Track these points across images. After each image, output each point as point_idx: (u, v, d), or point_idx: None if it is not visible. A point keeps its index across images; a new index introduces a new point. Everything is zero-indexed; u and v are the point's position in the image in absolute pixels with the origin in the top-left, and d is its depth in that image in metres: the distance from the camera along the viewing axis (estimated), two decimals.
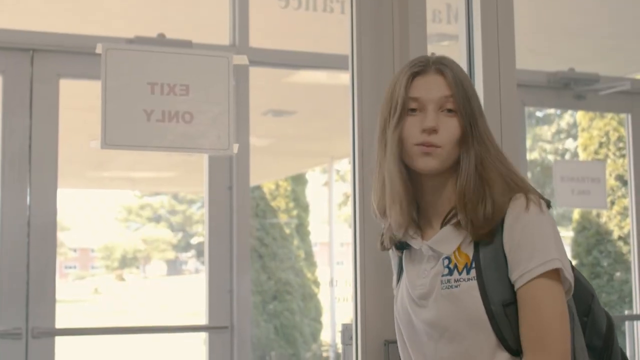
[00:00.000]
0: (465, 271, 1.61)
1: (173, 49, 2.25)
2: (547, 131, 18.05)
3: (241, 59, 2.27)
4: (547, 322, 1.53)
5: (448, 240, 1.65)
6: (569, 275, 1.58)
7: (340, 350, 2.14)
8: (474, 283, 1.59)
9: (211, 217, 3.38)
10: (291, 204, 12.56)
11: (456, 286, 1.61)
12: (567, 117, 17.49)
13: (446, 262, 1.64)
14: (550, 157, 17.51)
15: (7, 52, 3.13)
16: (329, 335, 12.59)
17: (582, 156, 9.66)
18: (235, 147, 2.13)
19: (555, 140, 18.07)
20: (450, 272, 1.63)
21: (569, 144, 17.71)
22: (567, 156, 17.16)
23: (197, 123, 2.11)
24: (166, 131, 2.09)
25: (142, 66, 2.10)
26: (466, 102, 1.67)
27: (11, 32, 3.17)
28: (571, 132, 17.10)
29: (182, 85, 2.13)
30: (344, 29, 2.18)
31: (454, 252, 1.64)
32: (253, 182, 9.93)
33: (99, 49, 2.04)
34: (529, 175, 4.91)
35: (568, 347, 1.54)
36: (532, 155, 17.44)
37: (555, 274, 1.55)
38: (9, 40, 3.14)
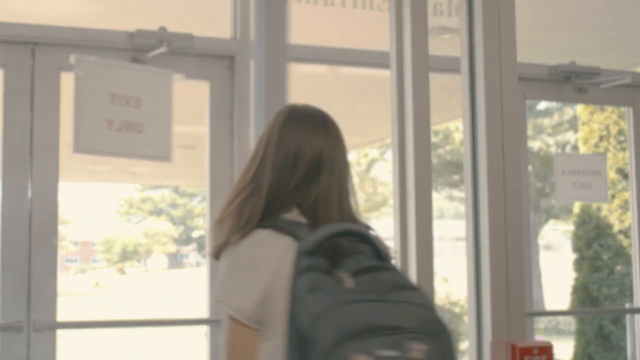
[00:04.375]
0: None
1: (129, 65, 2.45)
2: (548, 123, 18.01)
3: (179, 78, 2.44)
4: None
5: None
6: (234, 313, 1.67)
7: None
8: None
9: (212, 210, 3.38)
10: None
11: None
12: (568, 110, 17.45)
13: None
14: (552, 149, 17.47)
15: (8, 45, 3.13)
16: None
17: (582, 149, 9.66)
18: (173, 155, 2.37)
19: (556, 133, 18.04)
20: None
21: (569, 136, 17.68)
22: (568, 148, 17.12)
23: (146, 133, 2.32)
24: (123, 139, 2.30)
25: (107, 78, 2.28)
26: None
27: (12, 26, 3.16)
28: (572, 121, 17.05)
29: (135, 98, 2.34)
30: (344, 22, 2.19)
31: None
32: None
33: (71, 60, 2.18)
34: (529, 167, 4.91)
35: None
36: (533, 146, 17.39)
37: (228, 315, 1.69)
38: (10, 34, 3.14)
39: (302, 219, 1.75)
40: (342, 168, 1.82)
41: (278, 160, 1.78)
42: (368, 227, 1.80)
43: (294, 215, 1.76)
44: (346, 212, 1.80)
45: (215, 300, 1.71)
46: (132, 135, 2.31)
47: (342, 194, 1.80)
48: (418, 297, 1.65)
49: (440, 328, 1.60)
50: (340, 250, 1.67)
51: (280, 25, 2.45)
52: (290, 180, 1.77)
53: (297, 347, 1.58)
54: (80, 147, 2.20)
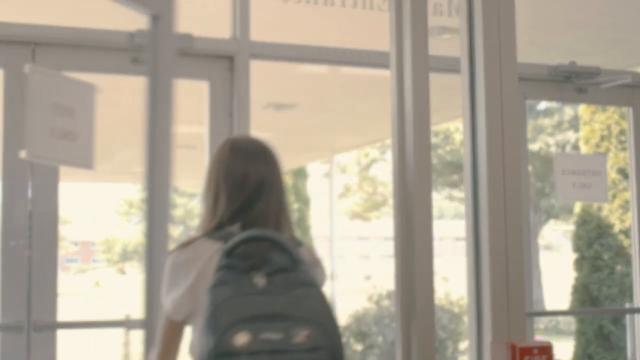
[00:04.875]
0: None
1: (64, 76, 2.71)
2: (548, 123, 17.98)
3: (100, 90, 2.77)
4: None
5: None
6: (166, 306, 2.07)
7: None
8: None
9: None
10: (292, 198, 12.58)
11: None
12: (568, 110, 17.43)
13: None
14: (552, 149, 17.44)
15: (8, 45, 3.13)
16: None
17: (583, 149, 9.66)
18: (93, 164, 2.64)
19: (556, 133, 18.01)
20: None
21: (570, 135, 17.64)
22: (568, 148, 17.10)
23: (78, 141, 2.57)
24: (62, 147, 2.53)
25: (51, 89, 2.49)
26: None
27: (12, 26, 3.17)
28: (572, 121, 17.02)
29: (69, 108, 2.55)
30: (344, 22, 2.19)
31: None
32: None
33: (26, 70, 2.43)
34: (529, 167, 4.92)
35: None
36: (533, 147, 17.40)
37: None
38: (10, 34, 3.14)
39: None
40: (279, 189, 2.18)
41: (228, 187, 2.13)
42: (294, 239, 2.14)
43: (235, 228, 2.09)
44: (282, 226, 2.14)
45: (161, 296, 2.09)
46: (68, 143, 2.57)
47: (278, 211, 2.15)
48: (316, 292, 1.92)
49: (327, 318, 1.87)
50: (260, 254, 1.94)
51: (169, 15, 2.56)
52: (237, 202, 2.11)
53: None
54: (31, 154, 2.40)
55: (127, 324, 3.24)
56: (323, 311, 1.88)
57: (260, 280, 1.88)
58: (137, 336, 2.78)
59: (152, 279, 2.19)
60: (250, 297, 1.84)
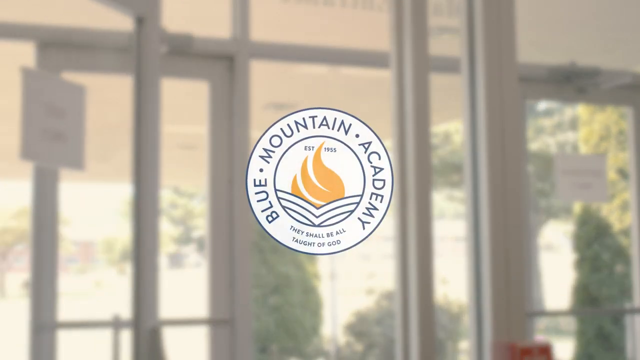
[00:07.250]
0: None
1: (57, 77, 2.75)
2: (548, 123, 17.98)
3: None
4: None
5: None
6: None
7: (341, 344, 2.17)
8: None
9: (212, 210, 3.38)
10: None
11: None
12: (569, 110, 17.43)
13: None
14: (552, 149, 17.44)
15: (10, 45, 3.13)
16: (329, 328, 12.61)
17: (583, 149, 9.66)
18: (85, 165, 2.69)
19: (557, 133, 18.02)
20: None
21: (570, 136, 17.65)
22: (568, 148, 17.11)
23: (69, 143, 2.60)
24: (54, 149, 2.55)
25: (44, 89, 2.50)
26: None
27: (13, 26, 3.17)
28: (572, 121, 17.02)
29: (60, 110, 2.58)
30: (344, 22, 2.19)
31: None
32: None
33: (21, 72, 2.44)
34: (530, 168, 4.91)
35: None
36: (533, 147, 17.41)
37: None
38: (12, 34, 3.14)
39: None
40: None
41: None
42: None
43: None
44: None
45: None
46: (59, 145, 2.62)
47: None
48: None
49: None
50: None
51: None
52: None
53: None
54: (26, 154, 2.47)
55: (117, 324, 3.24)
56: None
57: None
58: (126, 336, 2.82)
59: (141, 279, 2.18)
60: None
